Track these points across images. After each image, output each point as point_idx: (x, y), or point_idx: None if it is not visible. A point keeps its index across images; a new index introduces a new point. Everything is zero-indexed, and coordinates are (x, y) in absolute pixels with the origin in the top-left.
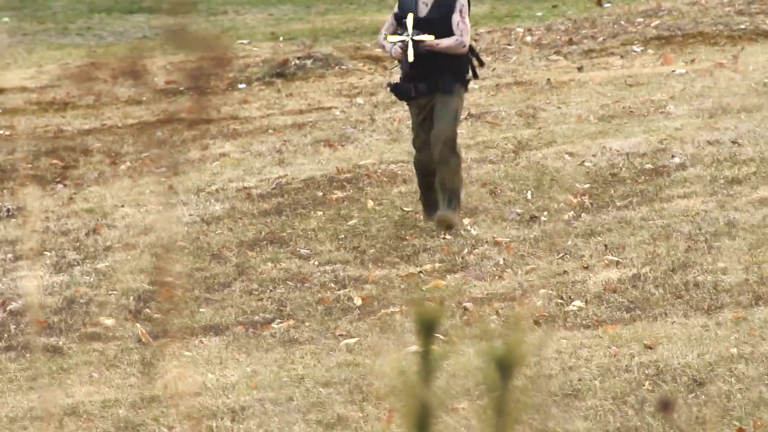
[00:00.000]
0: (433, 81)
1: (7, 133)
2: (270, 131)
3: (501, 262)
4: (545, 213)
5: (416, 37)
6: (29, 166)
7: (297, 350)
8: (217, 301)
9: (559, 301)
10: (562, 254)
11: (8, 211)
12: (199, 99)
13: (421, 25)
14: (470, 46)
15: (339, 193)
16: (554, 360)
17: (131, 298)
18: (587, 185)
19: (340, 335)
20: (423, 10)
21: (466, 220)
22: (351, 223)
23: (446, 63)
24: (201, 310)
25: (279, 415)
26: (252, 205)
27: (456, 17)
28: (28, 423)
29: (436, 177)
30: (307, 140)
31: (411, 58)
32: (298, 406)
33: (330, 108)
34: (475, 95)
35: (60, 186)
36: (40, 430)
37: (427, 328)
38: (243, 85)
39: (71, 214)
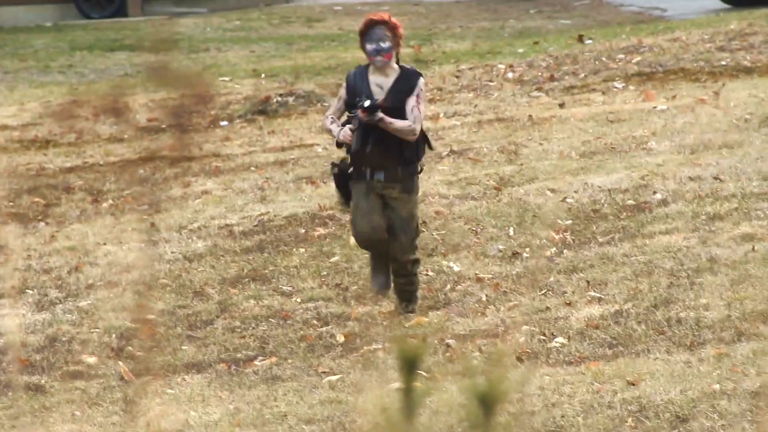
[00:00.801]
0: (391, 172)
1: None
2: (252, 168)
3: (483, 299)
4: (527, 249)
5: (376, 119)
6: (11, 204)
7: (280, 387)
8: (200, 339)
9: (542, 337)
10: (544, 290)
11: None
12: (180, 136)
13: (370, 100)
14: (422, 130)
15: (321, 230)
16: (537, 396)
17: (113, 335)
18: (569, 221)
19: (322, 372)
20: (378, 93)
21: (448, 258)
22: (333, 260)
23: (398, 149)
24: (183, 347)
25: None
26: (234, 243)
27: (412, 101)
28: None
29: (395, 283)
30: (289, 177)
31: (367, 139)
32: None
33: (312, 145)
34: (457, 131)
35: (42, 224)
36: None
37: (410, 365)
38: (225, 123)
39: (53, 252)
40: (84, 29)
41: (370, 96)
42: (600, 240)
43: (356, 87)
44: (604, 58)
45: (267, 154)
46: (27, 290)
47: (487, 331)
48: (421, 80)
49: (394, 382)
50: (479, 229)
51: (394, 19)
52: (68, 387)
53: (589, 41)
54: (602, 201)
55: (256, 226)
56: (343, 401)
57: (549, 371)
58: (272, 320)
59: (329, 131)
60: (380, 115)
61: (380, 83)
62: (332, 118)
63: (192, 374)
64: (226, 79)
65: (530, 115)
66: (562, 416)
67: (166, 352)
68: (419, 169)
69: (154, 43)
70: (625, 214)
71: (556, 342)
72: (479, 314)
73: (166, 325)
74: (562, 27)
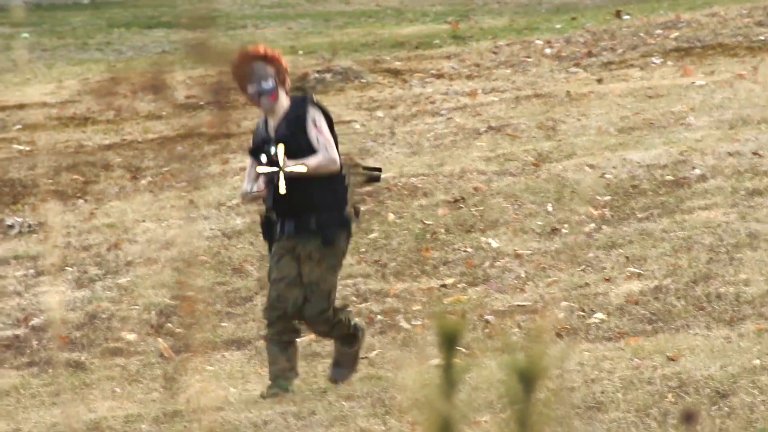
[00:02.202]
0: (303, 221)
1: (27, 148)
2: None
3: (522, 275)
4: (566, 225)
5: (288, 168)
6: (50, 181)
7: (319, 364)
8: (239, 315)
9: (581, 313)
10: (583, 266)
11: (29, 226)
12: (219, 113)
13: (275, 147)
14: (354, 161)
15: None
16: (577, 372)
17: (153, 312)
18: (608, 197)
19: (362, 349)
20: (273, 134)
21: (486, 235)
22: (372, 236)
23: (319, 195)
24: (223, 324)
25: (301, 429)
26: None
27: (312, 132)
28: None
29: (321, 336)
30: None
31: (282, 189)
32: (320, 420)
33: (350, 121)
34: (494, 108)
35: (81, 201)
36: None
37: (449, 342)
38: None
39: (92, 230)
40: (122, 6)
41: (267, 148)
42: (639, 216)
43: (258, 136)
44: (642, 34)
45: None
46: (67, 267)
47: (527, 308)
48: (310, 107)
49: (433, 358)
50: (518, 206)
51: (270, 50)
52: (108, 364)
53: (627, 17)
54: (641, 177)
55: None
56: (383, 377)
57: (588, 347)
58: None
59: (244, 196)
60: (289, 169)
61: (276, 126)
62: (247, 177)
63: (232, 351)
64: None
65: (568, 91)
66: (602, 392)
67: (205, 328)
68: (345, 218)
69: (191, 20)
70: (664, 189)
71: (596, 318)
72: (518, 290)
73: (205, 302)
74: (599, 2)
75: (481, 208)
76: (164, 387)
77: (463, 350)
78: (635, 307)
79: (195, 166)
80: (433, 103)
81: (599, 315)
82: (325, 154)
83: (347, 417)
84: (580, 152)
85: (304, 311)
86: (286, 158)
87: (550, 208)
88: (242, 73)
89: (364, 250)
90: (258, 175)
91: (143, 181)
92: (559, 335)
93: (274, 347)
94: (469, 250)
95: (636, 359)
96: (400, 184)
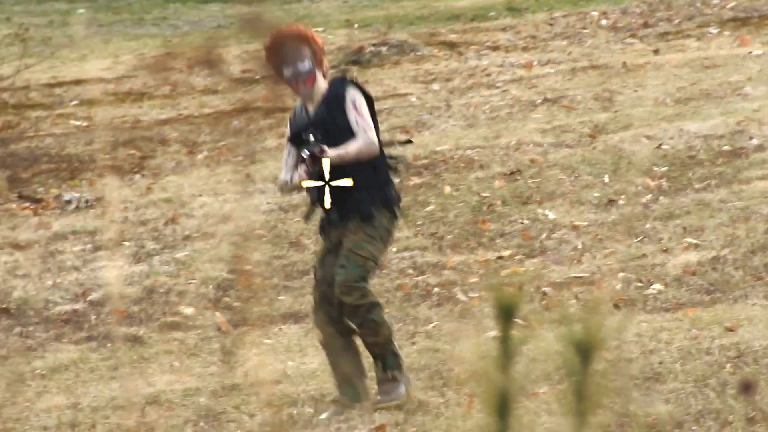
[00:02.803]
0: (347, 205)
1: (84, 124)
2: None
3: (579, 247)
4: (623, 196)
5: (334, 183)
6: (107, 156)
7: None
8: (296, 289)
9: (639, 284)
10: (640, 237)
11: (87, 201)
12: (274, 87)
13: (314, 132)
14: (386, 156)
15: (416, 180)
16: (634, 344)
17: (210, 286)
18: (665, 168)
19: (419, 321)
20: (312, 119)
21: (543, 206)
22: (428, 209)
23: (360, 177)
24: (280, 297)
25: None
26: None
27: (351, 115)
28: (110, 412)
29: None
30: (383, 127)
31: (328, 204)
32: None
33: (405, 94)
34: (550, 79)
35: (138, 176)
36: (122, 419)
37: (506, 314)
38: None
39: (149, 204)
40: None
41: (307, 134)
42: (696, 186)
43: (297, 121)
44: (698, 4)
45: None
46: (124, 242)
47: (584, 279)
48: (350, 88)
49: (490, 330)
50: (574, 177)
51: (304, 29)
52: (166, 338)
53: None
54: (698, 147)
55: None
56: (440, 350)
57: (646, 318)
58: None
59: (282, 188)
60: (328, 153)
61: (317, 109)
62: (288, 176)
63: (289, 324)
64: (320, 29)
65: (624, 62)
66: (660, 363)
67: (262, 302)
68: (387, 197)
69: None
70: (721, 160)
71: (653, 289)
72: (575, 262)
73: (262, 276)
74: None
75: (538, 180)
76: (222, 360)
77: (521, 322)
78: (693, 277)
79: (251, 140)
80: (488, 75)
81: (657, 286)
82: (365, 137)
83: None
84: (637, 123)
85: (335, 281)
86: (326, 146)
87: (606, 179)
88: (276, 54)
89: (420, 222)
90: (296, 163)
91: (200, 156)
92: (616, 306)
93: (331, 354)
94: (525, 222)
95: (694, 330)
96: (456, 156)
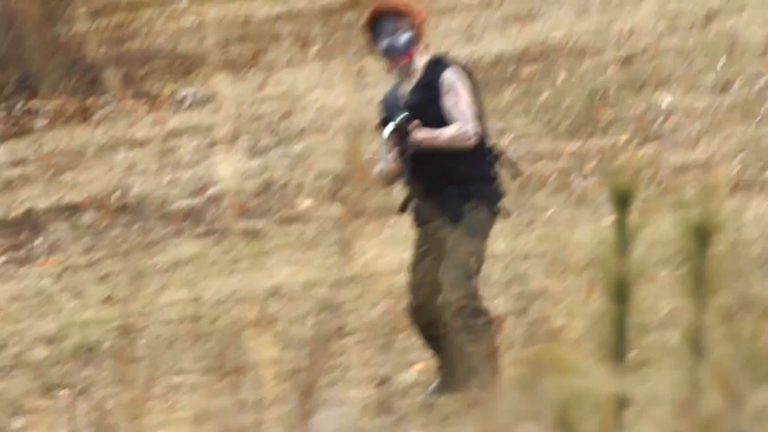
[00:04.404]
0: (440, 201)
1: (197, 20)
2: (456, 10)
3: (696, 131)
4: (738, 80)
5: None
6: (220, 53)
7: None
8: None
9: (757, 166)
10: (758, 118)
11: (201, 98)
12: None
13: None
14: (490, 147)
15: (530, 68)
16: (753, 226)
17: (327, 179)
18: None
19: (536, 209)
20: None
21: (658, 92)
22: (543, 97)
23: (456, 168)
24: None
25: (480, 289)
26: None
27: (447, 101)
28: (231, 305)
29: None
30: (496, 16)
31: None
32: (498, 280)
33: None
34: None
35: (251, 72)
36: (244, 311)
37: (623, 199)
38: None
39: (264, 99)
40: None
41: (397, 119)
42: None
43: (387, 104)
44: None
45: None
46: (240, 137)
47: (701, 163)
48: (448, 71)
49: (607, 216)
50: (689, 62)
51: (409, 3)
52: (285, 231)
53: None
54: None
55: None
56: (559, 237)
57: (765, 200)
58: None
59: (381, 178)
60: (417, 135)
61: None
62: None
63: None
64: None
65: None
66: None
67: (379, 194)
68: (488, 192)
69: None
70: None
71: None
72: (692, 146)
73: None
74: None
75: (652, 65)
76: (340, 252)
77: (638, 207)
78: None
79: (362, 35)
80: None
81: None
82: (460, 126)
83: (524, 276)
84: (751, 6)
85: (442, 284)
86: (404, 134)
87: (721, 63)
88: (373, 26)
89: (535, 110)
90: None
91: (312, 50)
92: (734, 189)
93: (425, 345)
94: (641, 108)
95: None
96: (569, 44)
